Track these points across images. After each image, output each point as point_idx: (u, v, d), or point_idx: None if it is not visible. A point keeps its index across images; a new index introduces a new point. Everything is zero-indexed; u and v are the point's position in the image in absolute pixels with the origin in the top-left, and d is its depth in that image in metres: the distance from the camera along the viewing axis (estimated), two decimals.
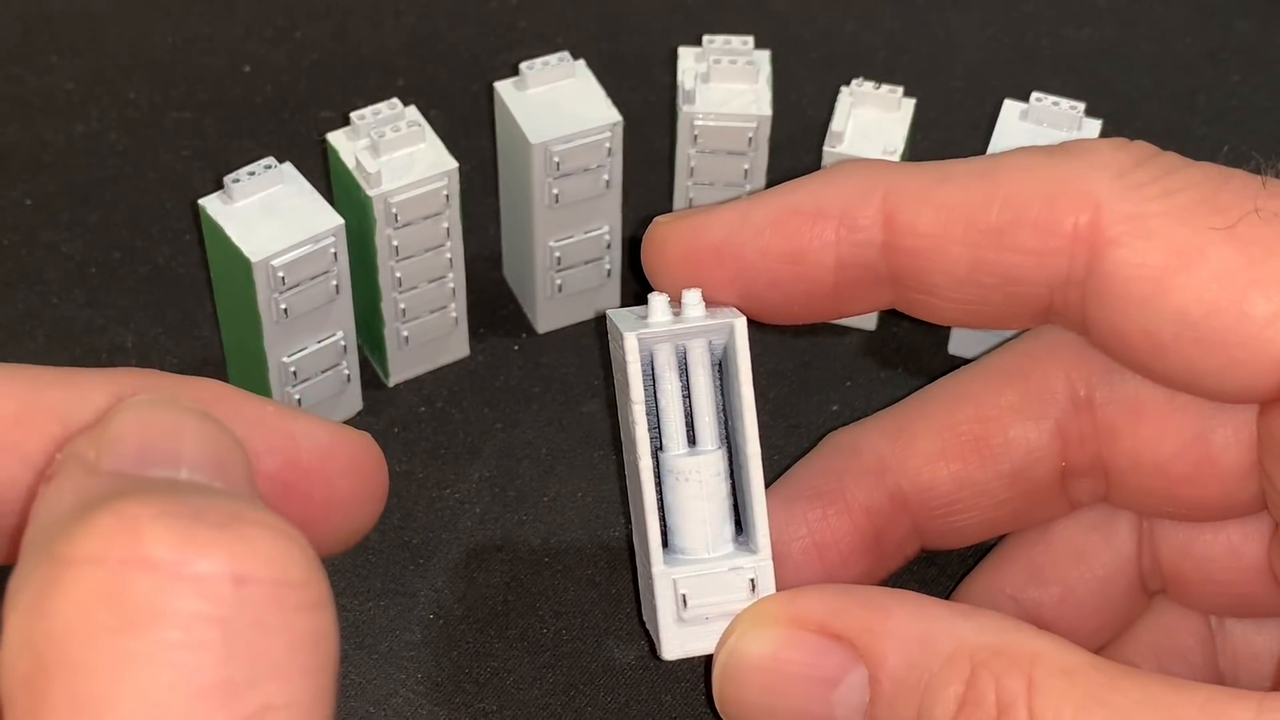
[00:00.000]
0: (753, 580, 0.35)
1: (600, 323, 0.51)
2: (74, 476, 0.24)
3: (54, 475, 0.24)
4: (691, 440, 0.36)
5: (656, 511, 0.36)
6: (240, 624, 0.21)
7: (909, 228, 0.35)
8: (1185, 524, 0.39)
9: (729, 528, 0.36)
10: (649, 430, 0.35)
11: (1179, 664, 0.40)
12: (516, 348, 0.51)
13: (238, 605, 0.21)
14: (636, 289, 0.51)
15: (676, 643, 0.36)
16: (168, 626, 0.21)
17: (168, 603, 0.21)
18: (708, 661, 0.35)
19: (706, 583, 0.35)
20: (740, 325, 0.36)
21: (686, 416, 0.36)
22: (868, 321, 0.51)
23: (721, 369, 0.37)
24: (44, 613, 0.21)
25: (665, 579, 0.35)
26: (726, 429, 0.36)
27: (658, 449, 0.36)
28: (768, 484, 0.37)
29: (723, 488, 0.36)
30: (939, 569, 0.45)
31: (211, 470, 0.24)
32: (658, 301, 0.36)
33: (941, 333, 0.51)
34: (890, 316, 0.51)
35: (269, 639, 0.22)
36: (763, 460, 0.36)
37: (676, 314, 0.36)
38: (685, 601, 0.35)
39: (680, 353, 0.36)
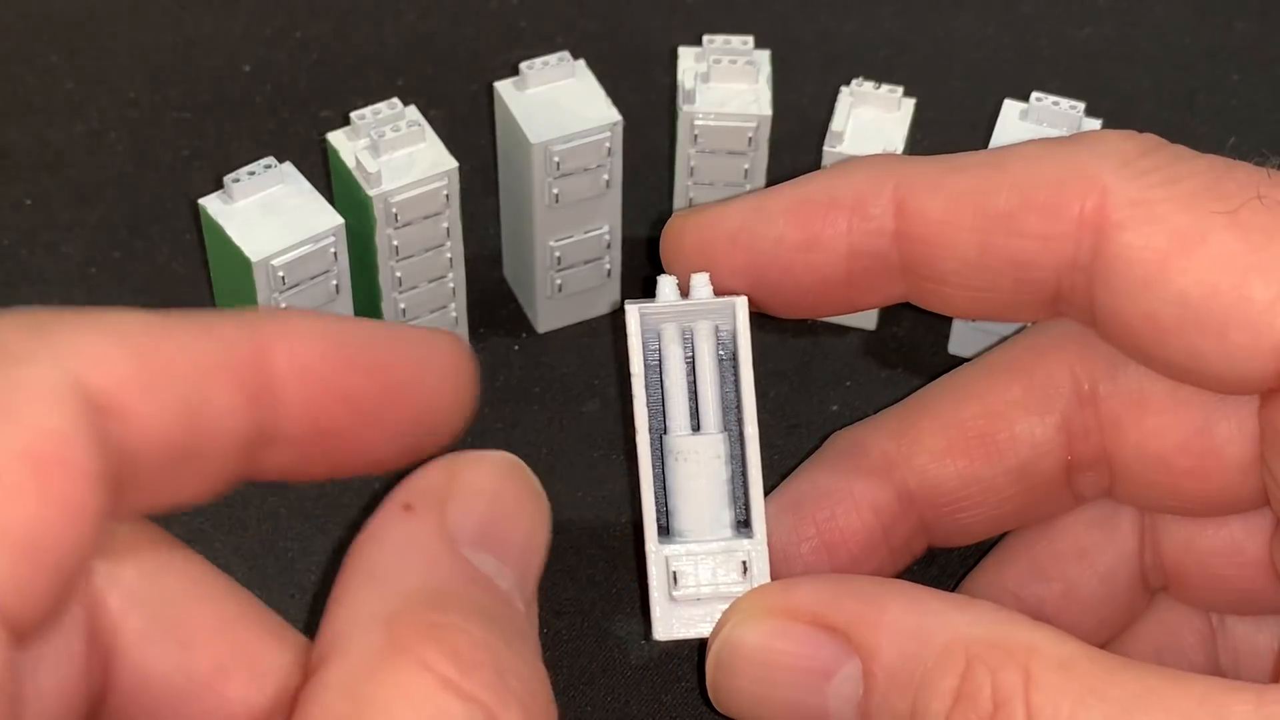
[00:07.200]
0: (745, 563, 0.35)
1: (600, 321, 0.51)
2: (427, 536, 0.27)
3: (414, 507, 0.28)
4: (696, 426, 0.36)
5: (653, 489, 0.36)
6: None
7: (920, 215, 0.36)
8: (1187, 520, 0.39)
9: (728, 513, 0.36)
10: (649, 408, 0.36)
11: (1180, 662, 0.40)
12: (516, 348, 0.51)
13: None
14: (637, 289, 0.51)
15: (668, 624, 0.36)
16: None
17: (450, 712, 0.25)
18: (702, 651, 0.35)
19: (698, 563, 0.36)
20: (741, 303, 0.36)
21: (691, 401, 0.36)
22: (868, 321, 0.51)
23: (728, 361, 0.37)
24: (377, 681, 0.25)
25: (657, 556, 0.36)
26: (731, 418, 0.37)
27: (661, 430, 0.36)
28: (773, 485, 0.37)
29: (723, 471, 0.36)
30: (940, 569, 0.45)
31: (520, 574, 0.28)
32: (665, 283, 0.36)
33: (941, 332, 0.51)
34: (890, 316, 0.51)
35: None
36: (763, 460, 0.36)
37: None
38: (676, 579, 0.35)
39: (687, 337, 0.36)
